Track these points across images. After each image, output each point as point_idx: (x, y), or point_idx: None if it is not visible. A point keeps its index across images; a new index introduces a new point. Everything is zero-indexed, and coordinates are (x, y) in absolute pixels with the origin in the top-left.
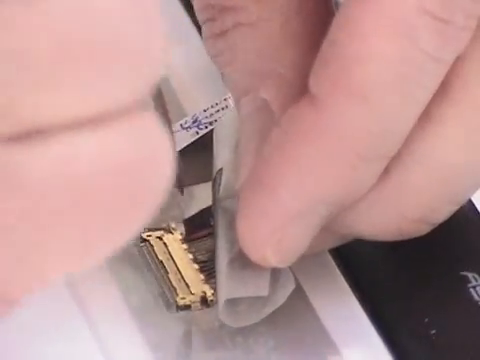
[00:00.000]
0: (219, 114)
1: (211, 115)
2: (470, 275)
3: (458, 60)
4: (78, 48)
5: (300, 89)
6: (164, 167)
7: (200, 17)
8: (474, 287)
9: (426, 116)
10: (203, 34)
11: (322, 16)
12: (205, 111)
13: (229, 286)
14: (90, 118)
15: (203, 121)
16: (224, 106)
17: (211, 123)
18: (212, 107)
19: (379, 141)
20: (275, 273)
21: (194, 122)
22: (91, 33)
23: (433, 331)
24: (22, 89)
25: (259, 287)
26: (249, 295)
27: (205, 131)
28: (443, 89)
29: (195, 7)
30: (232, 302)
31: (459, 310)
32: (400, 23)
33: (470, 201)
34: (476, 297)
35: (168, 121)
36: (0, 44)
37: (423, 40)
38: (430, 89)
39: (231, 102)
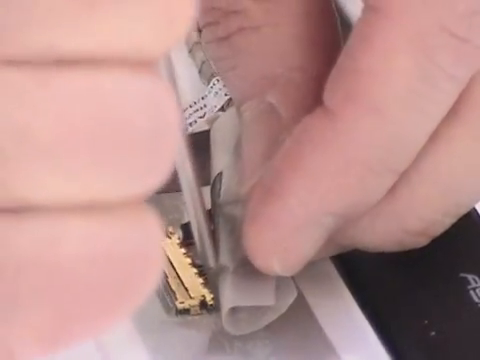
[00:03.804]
0: (198, 114)
1: (190, 115)
2: (470, 277)
3: (469, 79)
4: (81, 133)
5: (308, 92)
6: (152, 264)
7: (201, 21)
8: (474, 289)
9: (434, 133)
10: (203, 38)
11: (328, 20)
12: (184, 112)
13: (234, 294)
14: (83, 204)
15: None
16: (202, 105)
17: (190, 124)
18: (190, 107)
19: (390, 155)
20: (277, 281)
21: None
22: (97, 121)
23: (433, 333)
24: (19, 164)
25: (265, 296)
26: (255, 304)
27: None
28: (452, 107)
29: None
30: (234, 310)
31: (459, 312)
32: (418, 39)
33: None
34: (476, 299)
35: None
36: (6, 116)
37: (440, 57)
38: (444, 106)
39: (209, 102)
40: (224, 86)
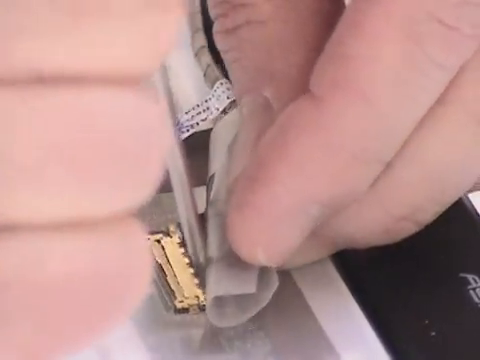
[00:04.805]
0: (201, 116)
1: (192, 117)
2: (470, 277)
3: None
4: (64, 153)
5: (304, 90)
6: (140, 280)
7: (213, 13)
8: (474, 289)
9: None
10: (214, 29)
11: (337, 21)
12: (187, 113)
13: (217, 283)
14: (68, 222)
15: (185, 124)
16: (205, 108)
17: (192, 126)
18: (193, 109)
19: (376, 143)
20: (260, 272)
21: (176, 126)
22: (81, 140)
23: (433, 333)
24: (0, 184)
25: (246, 284)
26: (237, 292)
27: (187, 135)
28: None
29: (209, 3)
30: (220, 303)
31: (459, 312)
32: (407, 26)
33: (469, 202)
34: (476, 299)
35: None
36: None
37: (429, 45)
38: (433, 94)
39: (212, 104)
40: (227, 89)
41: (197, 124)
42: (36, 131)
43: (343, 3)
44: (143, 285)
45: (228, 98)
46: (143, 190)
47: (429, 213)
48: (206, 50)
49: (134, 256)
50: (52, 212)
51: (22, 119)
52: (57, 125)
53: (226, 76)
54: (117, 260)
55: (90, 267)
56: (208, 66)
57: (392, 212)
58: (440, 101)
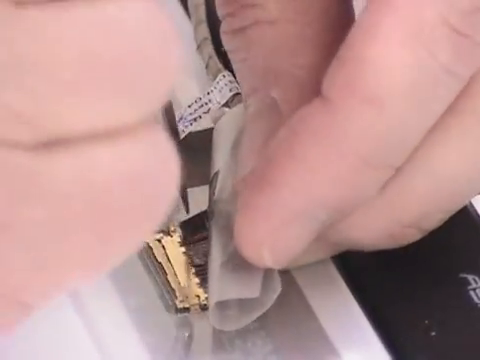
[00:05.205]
0: (203, 109)
1: (195, 111)
2: (470, 277)
3: (470, 77)
4: (100, 62)
5: (312, 92)
6: (172, 176)
7: (220, 11)
8: (474, 289)
9: None
10: (221, 28)
11: (344, 22)
12: (189, 107)
13: (221, 288)
14: (109, 130)
15: (188, 118)
16: (207, 101)
17: (195, 119)
18: (196, 102)
19: (387, 149)
20: (264, 276)
21: (180, 120)
22: (115, 49)
23: (433, 333)
24: (46, 98)
25: (251, 288)
26: (240, 296)
27: (190, 129)
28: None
29: (216, 1)
30: (223, 306)
31: (459, 312)
32: (420, 32)
33: (470, 203)
34: (476, 299)
35: (173, 116)
36: (27, 53)
37: (441, 52)
38: (443, 102)
39: (214, 97)
40: (230, 82)
41: (200, 117)
42: (70, 45)
43: (351, 5)
44: (173, 184)
45: (230, 91)
46: (162, 93)
47: (434, 220)
48: (209, 42)
49: (162, 155)
50: (92, 122)
51: (54, 34)
52: (85, 37)
53: (228, 68)
54: (151, 161)
55: (132, 170)
56: (210, 58)
57: (399, 218)
58: (451, 110)
